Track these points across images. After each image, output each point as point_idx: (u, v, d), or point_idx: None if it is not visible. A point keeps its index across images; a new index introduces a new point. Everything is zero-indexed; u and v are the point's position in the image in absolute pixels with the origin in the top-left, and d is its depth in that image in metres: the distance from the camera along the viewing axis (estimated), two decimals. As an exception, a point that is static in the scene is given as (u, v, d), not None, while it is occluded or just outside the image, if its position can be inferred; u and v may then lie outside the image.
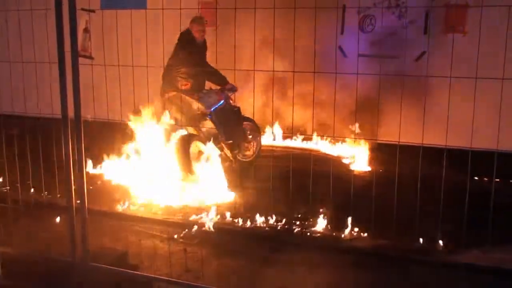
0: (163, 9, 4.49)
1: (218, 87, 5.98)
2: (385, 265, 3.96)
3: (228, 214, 4.80)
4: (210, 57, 5.92)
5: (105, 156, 6.08)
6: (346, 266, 3.93)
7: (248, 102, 5.91)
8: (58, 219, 4.59)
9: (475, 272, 3.83)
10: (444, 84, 4.14)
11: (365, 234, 4.39)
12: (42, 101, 5.16)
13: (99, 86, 4.90)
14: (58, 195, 4.84)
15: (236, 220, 4.72)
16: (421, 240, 4.21)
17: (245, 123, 6.18)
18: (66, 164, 3.47)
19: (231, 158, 5.96)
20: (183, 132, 5.79)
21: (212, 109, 5.78)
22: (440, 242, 4.18)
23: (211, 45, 5.79)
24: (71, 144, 3.43)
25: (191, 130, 5.84)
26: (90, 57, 8.13)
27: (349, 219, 4.45)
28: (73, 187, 3.49)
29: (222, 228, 4.56)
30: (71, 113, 3.42)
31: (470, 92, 4.03)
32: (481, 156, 4.25)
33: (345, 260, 4.01)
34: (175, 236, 4.41)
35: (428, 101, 4.41)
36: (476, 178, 5.71)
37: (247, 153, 6.29)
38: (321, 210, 4.70)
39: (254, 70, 4.43)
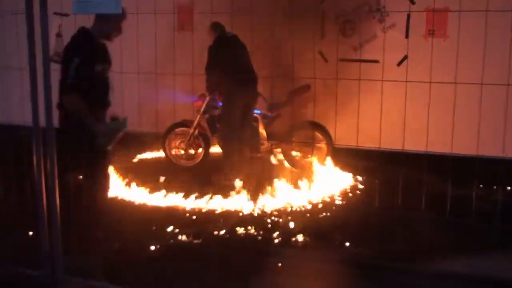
0: (137, 13, 4.53)
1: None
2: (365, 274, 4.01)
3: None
4: (187, 62, 5.96)
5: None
6: (329, 275, 3.98)
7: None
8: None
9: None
10: (424, 89, 4.24)
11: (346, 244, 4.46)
12: (13, 109, 5.14)
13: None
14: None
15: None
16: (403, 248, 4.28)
17: None
18: (38, 174, 3.47)
19: None
20: None
21: None
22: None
23: (189, 50, 5.83)
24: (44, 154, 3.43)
25: None
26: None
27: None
28: (44, 197, 3.49)
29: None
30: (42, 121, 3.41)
31: (450, 97, 4.15)
32: (461, 161, 4.38)
33: (328, 270, 4.07)
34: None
35: (409, 106, 4.50)
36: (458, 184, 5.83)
37: None
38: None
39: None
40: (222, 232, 4.70)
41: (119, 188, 5.91)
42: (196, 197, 5.51)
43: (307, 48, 5.98)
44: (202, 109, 6.53)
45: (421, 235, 4.38)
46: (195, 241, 4.51)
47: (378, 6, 6.91)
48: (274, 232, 4.69)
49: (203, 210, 5.29)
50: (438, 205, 4.14)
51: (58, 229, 3.55)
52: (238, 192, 5.61)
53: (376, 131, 4.55)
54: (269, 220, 5.01)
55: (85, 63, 3.64)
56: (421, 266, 3.96)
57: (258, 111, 6.58)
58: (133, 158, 7.35)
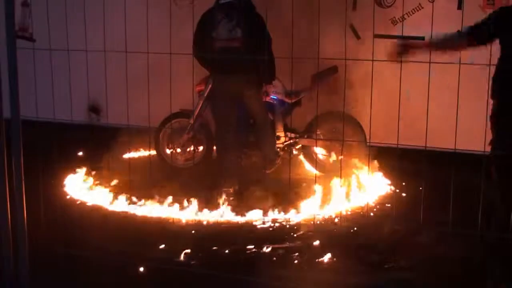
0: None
1: None
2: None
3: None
4: (185, 38, 5.95)
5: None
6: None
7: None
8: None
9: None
10: (483, 73, 4.18)
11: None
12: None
13: (42, 77, 4.89)
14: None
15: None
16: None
17: None
18: (0, 173, 3.46)
19: None
20: None
21: None
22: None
23: (187, 23, 5.83)
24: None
25: None
26: (31, 39, 8.11)
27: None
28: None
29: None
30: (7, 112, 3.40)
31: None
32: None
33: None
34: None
35: (463, 95, 4.45)
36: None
37: None
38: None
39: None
40: (228, 252, 4.72)
41: (100, 195, 5.99)
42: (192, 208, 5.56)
43: (335, 21, 5.94)
44: (205, 94, 6.49)
45: (476, 261, 4.33)
46: (194, 264, 4.53)
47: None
48: (293, 253, 4.68)
49: (204, 223, 5.33)
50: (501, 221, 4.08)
51: (24, 245, 3.53)
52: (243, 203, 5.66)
53: (421, 125, 4.50)
54: (286, 237, 5.01)
55: None
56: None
57: (274, 97, 6.54)
58: (118, 158, 7.34)
